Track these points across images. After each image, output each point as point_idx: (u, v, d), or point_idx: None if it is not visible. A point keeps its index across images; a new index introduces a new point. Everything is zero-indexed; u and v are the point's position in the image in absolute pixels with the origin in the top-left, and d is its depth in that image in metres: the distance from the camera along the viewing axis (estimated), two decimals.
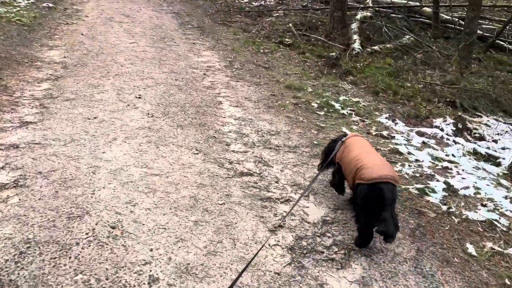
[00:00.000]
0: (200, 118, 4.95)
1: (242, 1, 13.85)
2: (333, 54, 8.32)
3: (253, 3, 13.70)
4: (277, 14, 12.39)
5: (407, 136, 5.01)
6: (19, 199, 3.00)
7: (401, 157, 4.44)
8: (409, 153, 4.46)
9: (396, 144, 4.71)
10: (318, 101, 5.69)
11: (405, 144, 4.69)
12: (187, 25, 10.55)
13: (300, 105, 5.77)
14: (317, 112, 5.62)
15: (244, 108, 5.47)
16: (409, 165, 4.16)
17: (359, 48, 8.95)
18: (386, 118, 5.48)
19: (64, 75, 5.82)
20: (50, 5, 9.92)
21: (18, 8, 8.94)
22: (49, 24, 8.57)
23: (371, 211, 2.71)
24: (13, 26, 7.68)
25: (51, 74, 5.78)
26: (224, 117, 5.11)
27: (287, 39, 9.59)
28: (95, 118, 4.56)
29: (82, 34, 8.19)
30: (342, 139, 3.29)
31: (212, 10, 12.46)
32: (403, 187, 3.85)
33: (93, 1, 11.80)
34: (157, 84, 5.92)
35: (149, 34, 8.90)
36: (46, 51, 6.82)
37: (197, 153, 4.07)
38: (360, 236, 2.88)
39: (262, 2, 13.63)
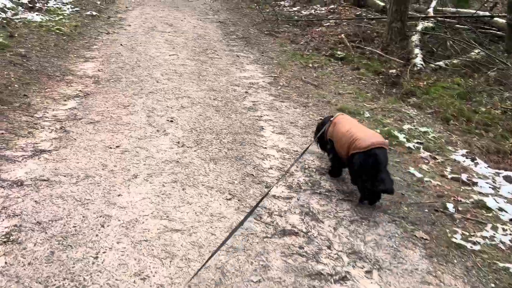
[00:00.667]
0: (237, 149, 4.23)
1: (291, 10, 13.11)
2: (393, 71, 7.34)
3: (303, 11, 12.92)
4: (328, 24, 11.52)
5: (493, 181, 4.00)
6: (5, 262, 2.39)
7: (489, 214, 3.45)
8: (500, 209, 3.47)
9: (480, 193, 3.73)
10: (378, 131, 4.78)
11: (492, 195, 3.70)
12: (232, 35, 9.95)
13: None
14: None
15: (289, 136, 4.68)
16: (504, 229, 3.18)
17: (422, 64, 7.89)
18: (462, 155, 4.48)
19: (94, 92, 5.33)
20: (94, 13, 9.70)
21: (61, 17, 8.74)
22: (90, 34, 8.27)
23: (369, 173, 3.08)
24: (52, 36, 7.40)
25: (80, 90, 5.32)
26: (265, 148, 4.36)
27: (339, 52, 8.71)
28: (117, 147, 3.97)
29: (121, 44, 7.80)
30: (331, 119, 3.73)
31: (259, 19, 11.80)
32: (501, 265, 2.89)
33: (138, 9, 11.54)
34: (193, 104, 5.29)
35: (191, 46, 8.36)
36: (80, 64, 6.42)
37: (230, 199, 3.33)
38: (363, 195, 3.33)
39: (312, 11, 12.81)
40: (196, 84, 6.08)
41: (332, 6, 12.99)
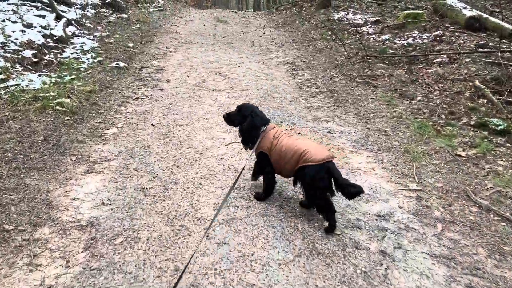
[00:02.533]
0: None
1: (379, 40, 9.88)
2: None
3: (396, 41, 9.64)
4: (440, 60, 8.17)
5: None
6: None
7: None
8: None
9: None
10: None
11: None
12: (310, 86, 6.94)
13: None
14: None
15: None
16: None
17: None
18: None
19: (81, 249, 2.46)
20: (121, 64, 7.06)
21: (74, 76, 6.14)
22: (108, 103, 5.58)
23: (325, 186, 2.98)
24: (47, 118, 4.75)
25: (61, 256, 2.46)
26: None
27: (494, 121, 5.37)
28: None
29: (152, 124, 5.00)
30: (262, 129, 3.33)
31: (340, 56, 8.70)
32: None
33: (181, 51, 8.86)
34: None
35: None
36: (78, 182, 3.64)
37: None
38: (325, 217, 3.08)
39: (411, 40, 9.49)
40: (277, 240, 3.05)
41: (437, 32, 9.60)
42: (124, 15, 10.56)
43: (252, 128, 3.34)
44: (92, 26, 8.91)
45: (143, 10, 12.83)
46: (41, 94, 5.16)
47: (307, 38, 10.36)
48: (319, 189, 3.01)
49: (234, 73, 7.36)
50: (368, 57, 8.50)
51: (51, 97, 5.14)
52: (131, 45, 8.33)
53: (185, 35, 10.38)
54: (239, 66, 7.82)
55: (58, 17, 8.36)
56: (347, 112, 5.86)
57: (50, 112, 4.85)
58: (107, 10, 10.42)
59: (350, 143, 4.82)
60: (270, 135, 3.27)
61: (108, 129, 4.83)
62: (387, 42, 9.64)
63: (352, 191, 2.90)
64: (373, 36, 10.19)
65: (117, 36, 8.65)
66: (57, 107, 4.95)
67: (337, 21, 11.84)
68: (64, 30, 7.87)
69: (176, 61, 7.98)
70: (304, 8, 14.67)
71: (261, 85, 6.82)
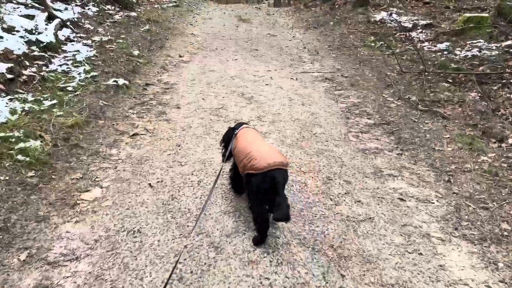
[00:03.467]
0: None
1: (436, 50, 8.16)
2: None
3: (457, 52, 7.91)
4: None
5: None
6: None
7: None
8: None
9: None
10: None
11: None
12: (359, 115, 5.39)
13: None
14: None
15: None
16: None
17: None
18: None
19: None
20: (120, 81, 5.60)
21: (56, 101, 4.70)
22: (95, 143, 4.13)
23: (265, 197, 2.71)
24: (2, 173, 3.30)
25: None
26: None
27: None
28: None
29: (150, 184, 3.52)
30: (235, 132, 3.24)
31: (390, 71, 7.06)
32: None
33: (197, 60, 7.35)
34: None
35: (294, 180, 3.89)
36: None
37: None
38: (257, 228, 2.83)
39: (476, 51, 7.74)
40: None
41: (509, 41, 7.83)
42: (133, 13, 9.10)
43: (227, 132, 3.36)
44: (92, 27, 7.47)
45: (156, 5, 11.35)
46: (1, 134, 3.72)
47: (346, 45, 8.71)
48: (256, 200, 2.81)
49: (261, 94, 5.83)
50: (427, 73, 6.84)
51: (13, 139, 3.70)
52: (136, 52, 6.86)
53: (202, 38, 8.85)
54: (267, 84, 6.27)
55: (51, 18, 6.94)
56: (417, 161, 4.27)
57: (7, 165, 3.42)
58: (113, 7, 8.97)
59: (435, 223, 3.27)
60: (237, 134, 3.20)
61: (87, 190, 3.38)
62: (445, 53, 7.92)
63: (274, 216, 2.64)
64: (427, 44, 8.48)
65: (121, 40, 7.20)
66: (19, 156, 3.51)
67: (379, 23, 10.14)
68: (55, 34, 6.45)
69: (190, 75, 6.47)
70: (337, 5, 12.96)
71: (297, 113, 5.27)
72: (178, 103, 5.34)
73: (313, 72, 7.12)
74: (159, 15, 9.94)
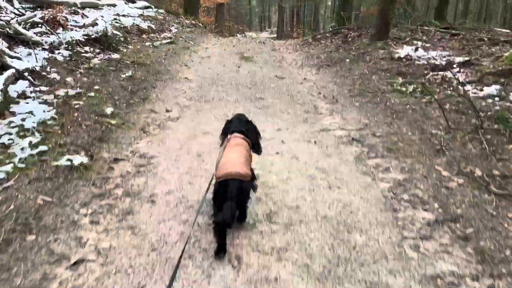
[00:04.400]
0: None
1: (482, 93, 6.62)
2: None
3: (511, 97, 6.35)
4: None
5: None
6: None
7: None
8: None
9: None
10: None
11: None
12: (411, 205, 3.80)
13: None
14: None
15: None
16: None
17: None
18: None
19: None
20: (77, 160, 4.06)
21: None
22: (11, 283, 2.51)
23: (221, 205, 2.74)
24: None
25: None
26: None
27: None
28: None
29: None
30: (229, 136, 3.31)
31: (437, 128, 5.47)
32: None
33: (188, 117, 5.85)
34: None
35: None
36: None
37: None
38: (216, 238, 2.81)
39: None
40: None
41: None
42: (115, 55, 7.69)
43: (221, 134, 3.54)
44: (59, 78, 6.03)
45: (147, 43, 10.00)
46: None
47: (369, 89, 7.19)
48: (214, 208, 2.89)
49: (271, 171, 4.25)
50: (483, 129, 5.28)
51: None
52: (109, 110, 5.37)
53: (197, 84, 7.39)
54: (277, 153, 4.71)
55: (4, 68, 5.51)
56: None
57: None
58: (91, 49, 7.58)
59: None
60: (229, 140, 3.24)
61: None
62: (497, 99, 6.36)
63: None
64: (470, 87, 6.94)
65: (93, 94, 5.73)
66: None
67: (404, 60, 8.67)
68: (3, 90, 4.99)
69: (177, 141, 4.94)
70: (350, 38, 11.57)
71: (323, 205, 3.68)
72: (153, 192, 3.76)
73: (335, 130, 5.58)
74: (147, 55, 8.55)
